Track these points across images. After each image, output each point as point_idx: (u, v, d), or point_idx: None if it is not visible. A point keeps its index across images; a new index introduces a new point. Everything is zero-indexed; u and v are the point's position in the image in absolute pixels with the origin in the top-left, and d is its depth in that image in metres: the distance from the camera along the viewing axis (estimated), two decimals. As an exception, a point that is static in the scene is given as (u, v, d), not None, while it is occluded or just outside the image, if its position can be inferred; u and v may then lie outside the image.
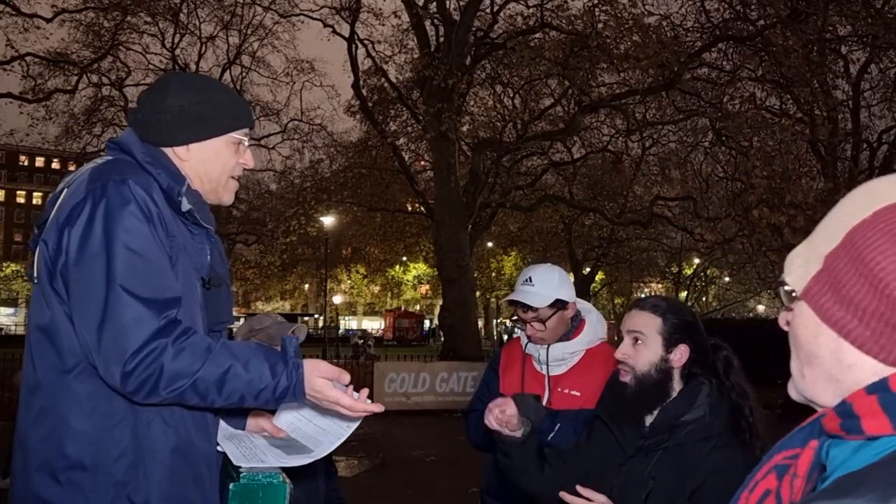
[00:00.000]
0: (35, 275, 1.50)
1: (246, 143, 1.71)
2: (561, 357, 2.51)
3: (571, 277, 42.20)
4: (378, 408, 1.57)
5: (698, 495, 1.66)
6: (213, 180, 1.68)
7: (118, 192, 1.44)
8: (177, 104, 1.60)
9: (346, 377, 1.56)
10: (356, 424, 1.65)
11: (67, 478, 1.44)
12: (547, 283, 2.49)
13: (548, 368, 2.53)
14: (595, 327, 2.58)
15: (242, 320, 2.84)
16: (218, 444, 1.67)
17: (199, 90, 1.64)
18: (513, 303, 2.55)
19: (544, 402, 2.50)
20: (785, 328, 0.79)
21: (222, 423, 1.73)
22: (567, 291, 2.52)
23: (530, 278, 2.52)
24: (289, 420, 1.73)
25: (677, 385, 1.82)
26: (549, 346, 2.52)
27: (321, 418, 1.69)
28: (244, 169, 1.73)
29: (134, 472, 1.46)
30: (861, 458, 0.65)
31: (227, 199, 1.73)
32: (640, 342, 1.83)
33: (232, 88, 1.72)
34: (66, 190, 1.52)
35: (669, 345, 1.82)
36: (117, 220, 1.42)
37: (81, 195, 1.46)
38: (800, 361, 0.75)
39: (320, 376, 1.51)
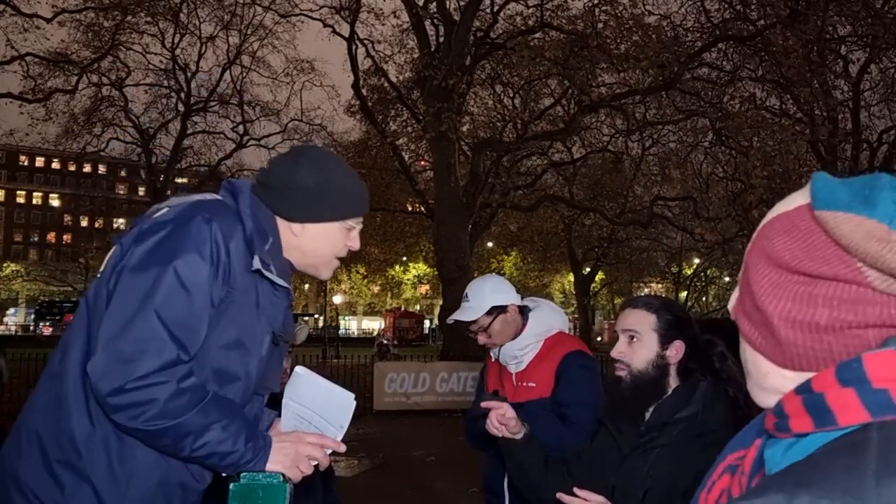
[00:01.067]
0: (102, 269, 1.55)
1: (357, 228, 1.75)
2: (514, 355, 2.62)
3: (571, 277, 42.20)
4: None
5: (692, 493, 1.67)
6: (318, 258, 1.72)
7: (198, 229, 1.48)
8: (303, 182, 1.63)
9: (339, 448, 1.65)
10: (346, 427, 1.69)
11: (55, 471, 1.46)
12: (479, 295, 2.63)
13: (511, 367, 2.66)
14: (542, 319, 2.67)
15: None
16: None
17: (329, 174, 1.66)
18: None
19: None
20: None
21: None
22: (502, 296, 2.63)
23: (466, 294, 2.67)
24: (293, 425, 1.74)
25: (673, 381, 1.83)
26: (500, 347, 2.64)
27: (319, 419, 1.71)
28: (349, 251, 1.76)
29: (115, 487, 1.47)
30: (790, 457, 0.69)
31: (326, 275, 1.78)
32: (635, 340, 1.84)
33: (356, 174, 1.76)
34: (165, 209, 1.57)
35: (665, 341, 1.83)
36: (184, 253, 1.46)
37: (169, 217, 1.52)
38: (746, 377, 0.84)
39: (306, 447, 1.60)
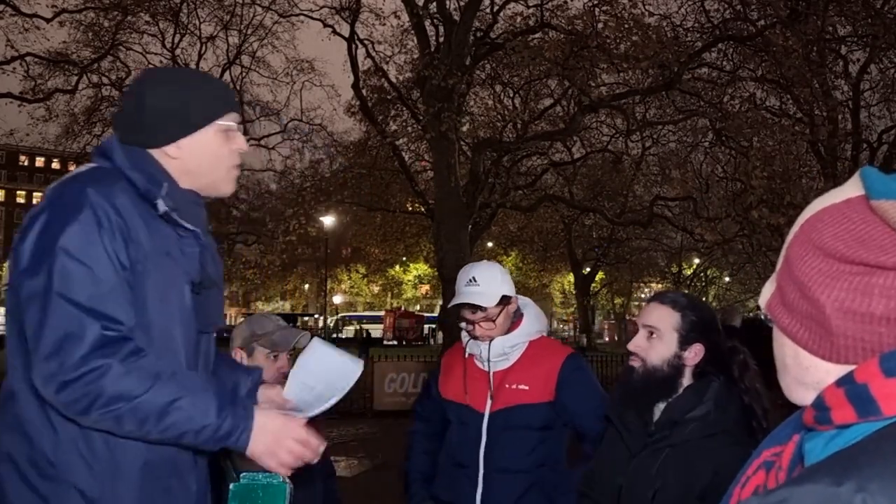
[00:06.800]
0: (7, 281, 1.50)
1: (235, 128, 1.66)
2: (502, 352, 2.49)
3: (571, 277, 42.07)
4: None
5: (710, 493, 1.64)
6: (209, 173, 1.63)
7: (73, 201, 1.42)
8: (154, 102, 1.55)
9: (317, 447, 1.55)
10: (346, 390, 1.66)
11: (35, 486, 1.43)
12: (491, 281, 2.47)
13: (490, 365, 2.51)
14: (534, 320, 2.57)
15: (242, 320, 2.83)
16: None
17: (175, 83, 1.59)
18: (460, 306, 2.50)
19: (488, 398, 2.49)
20: None
21: None
22: (509, 286, 2.52)
23: (474, 278, 2.48)
24: (296, 392, 1.73)
25: (687, 381, 1.79)
26: (490, 342, 2.50)
27: (322, 386, 1.70)
28: (240, 155, 1.67)
29: (100, 482, 1.44)
30: (832, 448, 0.70)
31: (228, 189, 1.69)
32: (654, 336, 1.80)
33: (210, 74, 1.67)
34: (42, 198, 1.53)
35: (685, 342, 1.78)
36: (67, 229, 1.39)
37: (43, 205, 1.46)
38: (778, 373, 0.83)
39: (291, 437, 1.50)
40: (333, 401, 1.65)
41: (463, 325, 2.57)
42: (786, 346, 0.79)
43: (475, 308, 2.46)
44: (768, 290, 0.83)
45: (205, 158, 1.61)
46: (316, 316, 55.63)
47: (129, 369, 1.36)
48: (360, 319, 47.20)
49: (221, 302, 1.76)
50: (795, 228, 0.79)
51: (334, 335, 35.39)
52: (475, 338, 2.54)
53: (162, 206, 1.49)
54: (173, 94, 1.57)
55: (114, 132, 1.62)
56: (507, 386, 2.47)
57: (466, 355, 2.60)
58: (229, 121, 1.64)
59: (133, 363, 1.37)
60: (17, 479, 1.44)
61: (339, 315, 45.79)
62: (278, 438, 1.49)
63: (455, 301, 2.53)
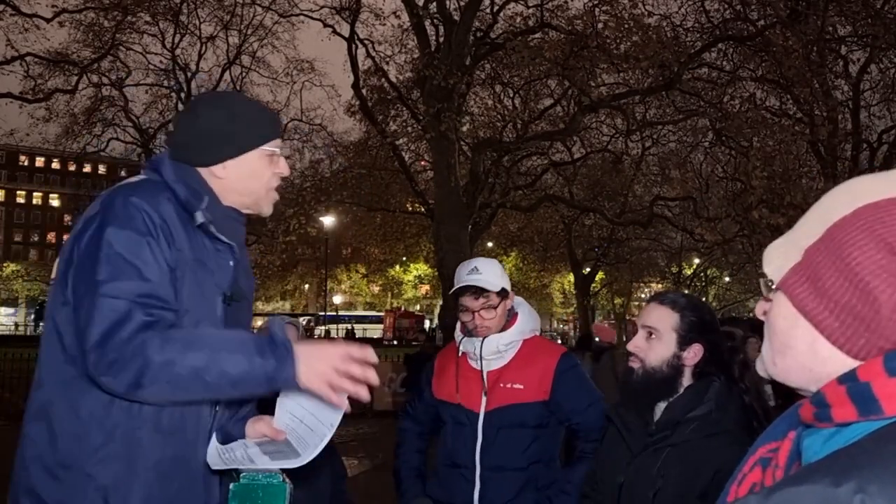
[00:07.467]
0: (53, 276, 1.58)
1: (278, 153, 1.78)
2: (496, 350, 2.49)
3: (571, 277, 41.96)
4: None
5: (711, 492, 1.64)
6: (253, 193, 1.75)
7: (123, 208, 1.52)
8: (206, 125, 1.68)
9: (368, 357, 1.55)
10: (336, 425, 1.64)
11: (56, 474, 1.49)
12: (493, 272, 2.49)
13: (484, 363, 2.51)
14: (528, 319, 2.58)
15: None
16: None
17: (227, 108, 1.72)
18: (462, 291, 2.49)
19: (482, 398, 2.49)
20: (762, 318, 0.81)
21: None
22: (507, 282, 2.55)
23: (476, 268, 2.49)
24: (284, 422, 1.72)
25: (687, 381, 1.80)
26: (483, 339, 2.49)
27: (311, 417, 1.68)
28: (281, 178, 1.79)
29: (115, 478, 1.49)
30: (831, 447, 0.68)
31: (267, 209, 1.81)
32: (653, 337, 1.80)
33: (259, 101, 1.79)
34: (94, 203, 1.61)
35: (684, 343, 1.79)
36: (118, 233, 1.49)
37: (96, 209, 1.56)
38: (772, 350, 0.78)
39: (338, 355, 1.51)
40: (326, 440, 1.62)
41: (461, 315, 2.55)
42: (799, 329, 0.74)
43: (478, 293, 2.46)
44: (780, 260, 0.77)
45: (249, 180, 1.73)
46: (320, 316, 55.61)
47: (168, 338, 1.44)
48: (339, 319, 45.69)
49: (251, 315, 1.85)
50: (847, 210, 0.73)
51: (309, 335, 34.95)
52: (470, 333, 2.53)
53: (200, 217, 1.60)
54: (225, 118, 1.69)
55: (166, 148, 1.74)
56: (501, 385, 2.48)
57: (459, 354, 2.59)
58: (274, 146, 1.76)
59: (171, 333, 1.46)
60: (42, 472, 1.50)
61: (317, 313, 42.53)
62: (325, 359, 1.50)
63: (457, 286, 2.52)
